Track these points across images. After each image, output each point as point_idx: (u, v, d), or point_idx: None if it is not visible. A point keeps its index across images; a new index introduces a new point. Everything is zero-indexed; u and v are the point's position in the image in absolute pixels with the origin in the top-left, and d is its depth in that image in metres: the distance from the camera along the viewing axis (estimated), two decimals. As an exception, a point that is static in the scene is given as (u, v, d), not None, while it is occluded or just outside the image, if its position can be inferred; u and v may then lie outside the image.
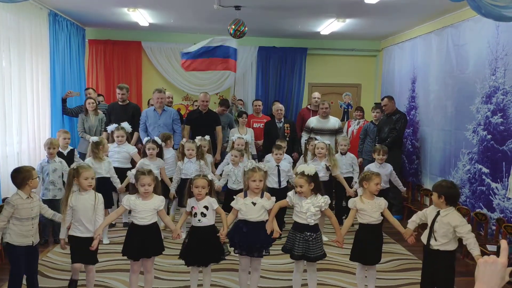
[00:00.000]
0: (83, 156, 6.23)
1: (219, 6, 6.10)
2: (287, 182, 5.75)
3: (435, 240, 3.63)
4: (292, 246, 3.82)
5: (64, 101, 7.09)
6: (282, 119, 7.20)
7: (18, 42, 5.80)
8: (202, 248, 3.72)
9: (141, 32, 8.55)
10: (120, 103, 6.87)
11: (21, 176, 3.62)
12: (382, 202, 3.98)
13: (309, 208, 3.76)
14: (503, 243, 1.47)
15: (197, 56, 7.55)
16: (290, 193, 3.92)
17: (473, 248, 3.49)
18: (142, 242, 3.65)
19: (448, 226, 3.58)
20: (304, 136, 7.15)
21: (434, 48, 6.87)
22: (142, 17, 7.15)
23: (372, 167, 5.72)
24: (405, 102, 7.82)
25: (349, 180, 6.14)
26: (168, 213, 5.33)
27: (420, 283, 3.89)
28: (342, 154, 6.21)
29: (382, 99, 7.09)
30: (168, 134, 6.15)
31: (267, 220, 3.85)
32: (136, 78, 8.83)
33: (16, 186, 3.66)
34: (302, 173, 3.79)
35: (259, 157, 6.80)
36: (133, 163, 5.84)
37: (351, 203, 4.03)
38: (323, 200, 3.81)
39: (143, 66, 8.91)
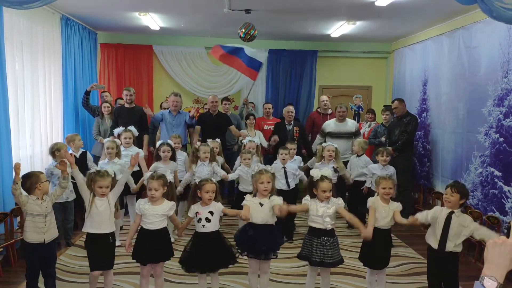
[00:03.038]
0: (97, 158, 6.28)
1: (230, 10, 6.11)
2: (296, 184, 5.78)
3: (447, 241, 3.62)
4: (310, 253, 3.77)
5: (87, 93, 7.13)
6: (292, 122, 7.20)
7: (31, 47, 5.88)
8: (206, 254, 3.69)
9: (152, 36, 8.60)
10: (127, 105, 6.91)
11: (29, 181, 3.65)
12: (395, 205, 3.95)
13: (324, 211, 3.75)
14: None
15: (228, 51, 7.79)
16: (306, 198, 3.89)
17: (489, 233, 3.48)
18: (151, 247, 3.66)
19: (460, 227, 3.60)
20: (318, 140, 7.14)
21: (446, 50, 6.82)
22: (153, 21, 7.20)
23: (375, 168, 5.72)
24: (416, 104, 7.77)
25: (361, 183, 6.12)
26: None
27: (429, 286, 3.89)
28: (358, 156, 6.20)
29: (393, 102, 7.04)
30: (177, 135, 6.18)
31: (273, 224, 3.84)
32: (148, 81, 8.88)
33: (26, 192, 3.68)
34: (327, 178, 3.79)
35: (270, 159, 6.78)
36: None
37: (369, 201, 4.01)
38: (336, 201, 3.82)
39: (154, 70, 8.95)
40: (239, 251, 3.87)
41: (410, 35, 8.15)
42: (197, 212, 3.73)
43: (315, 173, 3.87)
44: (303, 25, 7.46)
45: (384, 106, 8.17)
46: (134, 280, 4.33)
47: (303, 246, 3.88)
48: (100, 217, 3.70)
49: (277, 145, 6.70)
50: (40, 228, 3.64)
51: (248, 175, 5.47)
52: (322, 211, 3.74)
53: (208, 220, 3.70)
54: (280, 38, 8.79)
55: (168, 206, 3.75)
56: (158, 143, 5.70)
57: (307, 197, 3.90)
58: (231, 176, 5.60)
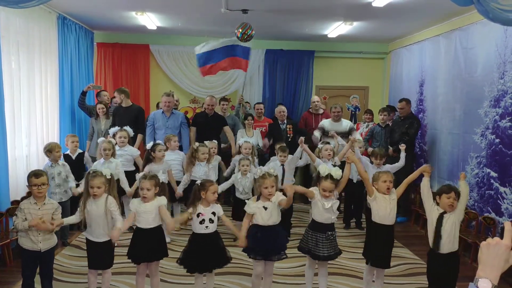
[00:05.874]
0: (93, 159, 6.25)
1: (227, 10, 6.11)
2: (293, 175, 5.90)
3: (440, 240, 3.65)
4: (315, 248, 3.82)
5: (84, 93, 7.10)
6: (285, 121, 7.19)
7: (27, 46, 5.86)
8: (205, 254, 3.70)
9: (149, 35, 8.59)
10: (124, 104, 6.86)
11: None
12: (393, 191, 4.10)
13: (332, 205, 3.82)
14: (507, 225, 1.42)
15: (211, 60, 7.44)
16: (315, 189, 3.91)
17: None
18: (146, 246, 3.67)
19: (453, 225, 3.65)
20: (317, 134, 7.08)
21: (442, 51, 6.83)
22: (150, 20, 7.18)
23: (368, 166, 5.75)
24: (413, 105, 7.76)
25: (360, 184, 6.11)
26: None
27: None
28: None
29: (400, 102, 7.01)
30: (172, 135, 6.14)
31: (279, 224, 3.85)
32: (144, 81, 8.86)
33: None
34: (332, 178, 3.79)
35: (265, 160, 6.77)
36: (136, 165, 5.88)
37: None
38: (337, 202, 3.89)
39: (151, 69, 8.94)
40: (250, 256, 3.85)
41: (407, 35, 8.16)
42: (200, 213, 3.70)
43: (323, 169, 3.85)
44: (300, 25, 7.45)
45: (386, 106, 8.18)
46: (130, 280, 4.31)
47: (304, 240, 3.92)
48: (91, 223, 3.69)
49: (274, 144, 6.70)
50: (34, 237, 3.57)
51: (239, 184, 5.45)
52: (330, 205, 3.80)
53: (211, 221, 3.72)
54: (277, 38, 8.79)
55: (159, 200, 3.75)
56: (149, 145, 5.58)
57: (315, 189, 3.92)
58: (221, 189, 5.43)
